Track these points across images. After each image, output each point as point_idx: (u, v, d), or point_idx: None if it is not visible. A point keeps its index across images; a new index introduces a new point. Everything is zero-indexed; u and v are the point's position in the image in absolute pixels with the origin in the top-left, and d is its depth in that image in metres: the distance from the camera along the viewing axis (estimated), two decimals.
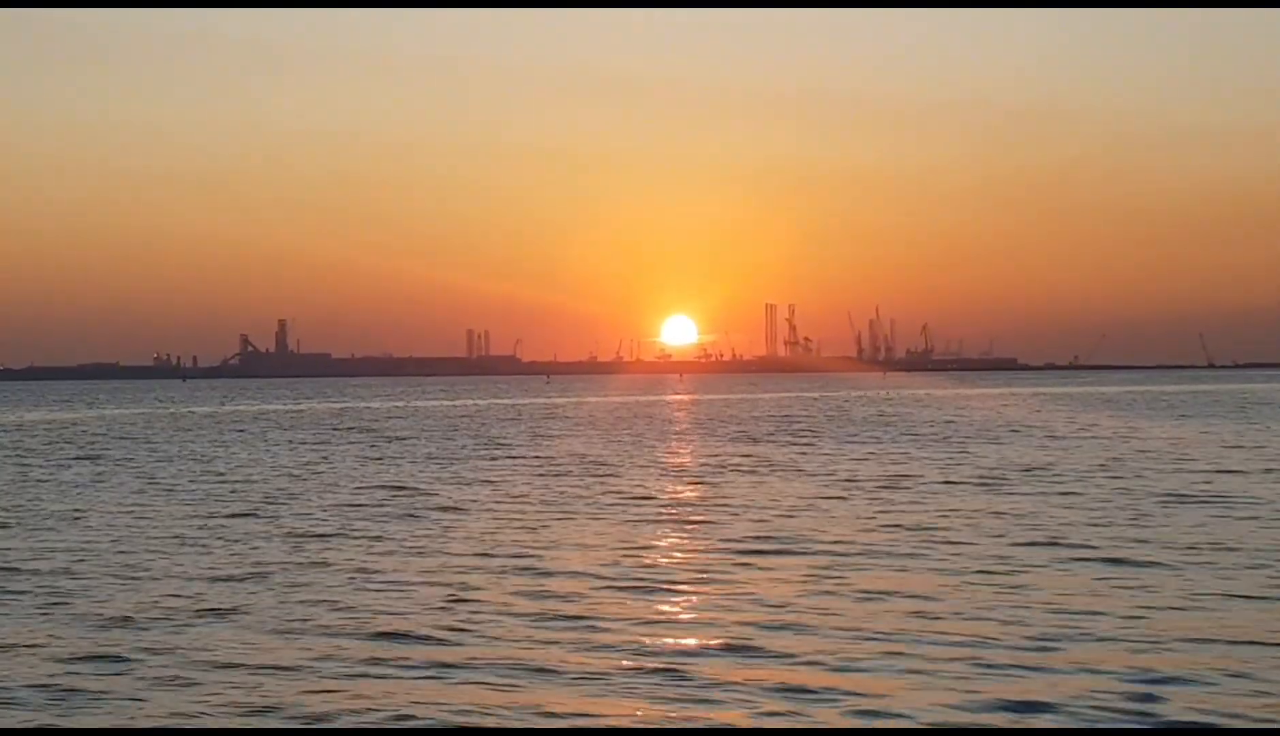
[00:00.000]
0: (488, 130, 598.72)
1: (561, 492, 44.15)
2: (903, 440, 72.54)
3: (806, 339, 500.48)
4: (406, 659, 19.36)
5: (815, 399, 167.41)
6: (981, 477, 47.49)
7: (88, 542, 32.79)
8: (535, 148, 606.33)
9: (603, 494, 43.83)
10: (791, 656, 19.12)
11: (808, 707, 16.54)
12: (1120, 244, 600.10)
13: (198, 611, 23.19)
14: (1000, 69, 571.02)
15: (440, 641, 20.47)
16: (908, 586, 24.59)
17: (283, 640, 20.73)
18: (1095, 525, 33.23)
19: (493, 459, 61.87)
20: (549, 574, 26.76)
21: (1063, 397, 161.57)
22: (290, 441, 79.84)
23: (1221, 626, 20.72)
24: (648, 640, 20.46)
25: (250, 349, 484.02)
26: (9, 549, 31.84)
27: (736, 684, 17.68)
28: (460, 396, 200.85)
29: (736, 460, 58.94)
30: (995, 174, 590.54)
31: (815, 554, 29.01)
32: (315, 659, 19.37)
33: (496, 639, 20.61)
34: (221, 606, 23.64)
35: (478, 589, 25.07)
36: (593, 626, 21.42)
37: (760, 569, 27.04)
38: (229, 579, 26.70)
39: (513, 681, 17.97)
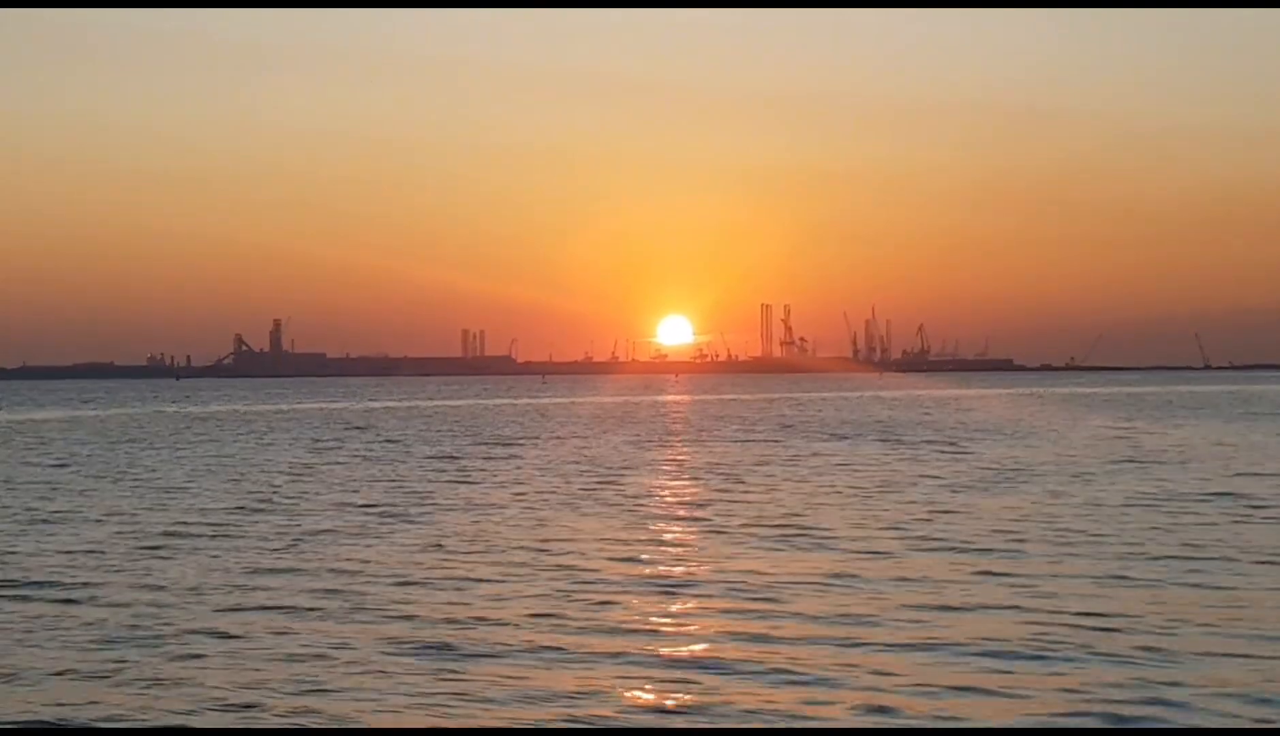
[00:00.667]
0: (483, 130, 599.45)
1: (572, 493, 44.18)
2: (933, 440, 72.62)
3: (802, 339, 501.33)
4: (424, 655, 19.38)
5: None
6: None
7: (107, 539, 32.80)
8: (531, 148, 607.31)
9: (613, 494, 43.93)
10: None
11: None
12: (1117, 245, 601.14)
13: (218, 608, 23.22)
14: (995, 70, 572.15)
15: (456, 638, 20.49)
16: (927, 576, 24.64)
17: (302, 636, 20.74)
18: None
19: (497, 458, 61.86)
20: (575, 573, 26.80)
21: (1081, 398, 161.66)
22: (292, 441, 79.80)
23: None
24: (664, 635, 20.50)
25: (245, 348, 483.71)
26: (27, 553, 31.83)
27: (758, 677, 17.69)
28: (457, 397, 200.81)
29: (746, 460, 58.95)
30: (991, 174, 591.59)
31: (842, 552, 29.04)
32: (329, 657, 19.39)
33: (512, 637, 20.62)
34: (242, 604, 23.66)
35: (493, 584, 25.11)
36: (618, 623, 21.45)
37: (784, 565, 27.06)
38: (248, 573, 26.72)
39: (523, 675, 17.99)
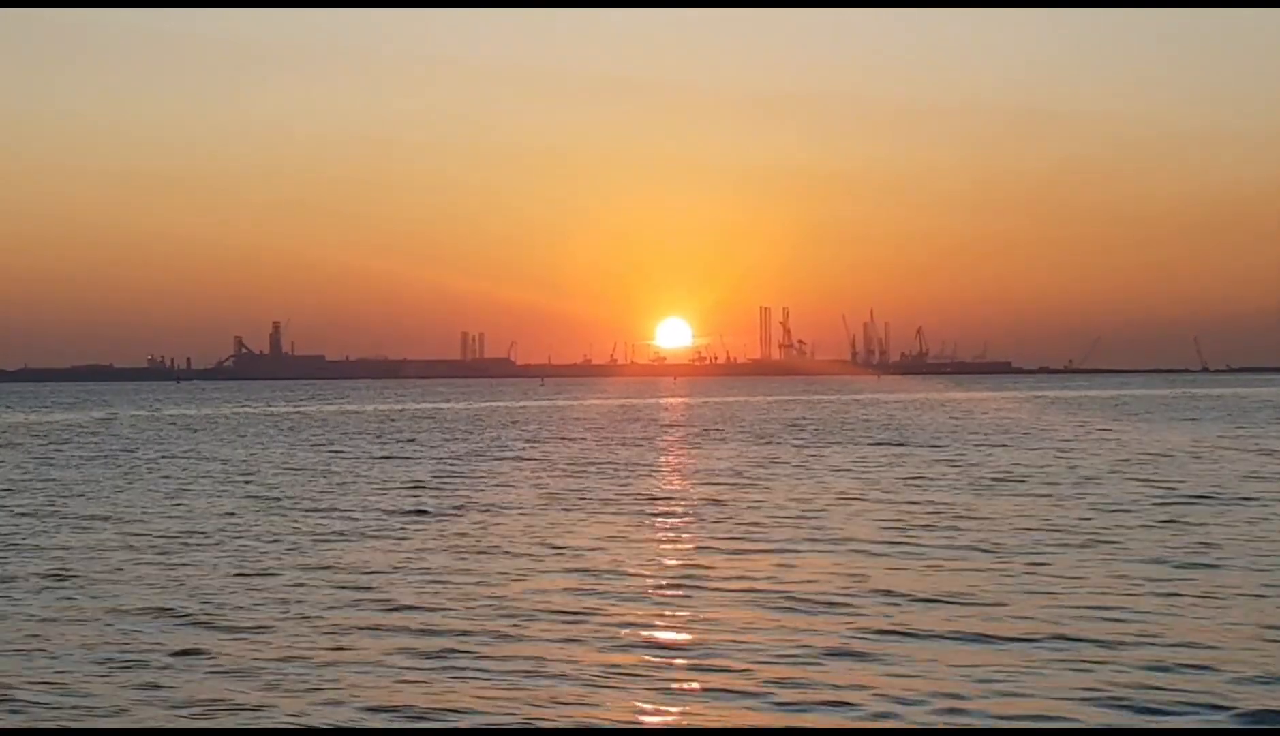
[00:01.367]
0: (483, 132, 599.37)
1: (582, 493, 44.44)
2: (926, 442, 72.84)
3: (800, 342, 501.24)
4: (452, 656, 19.70)
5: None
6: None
7: (134, 539, 33.08)
8: (531, 149, 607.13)
9: (622, 495, 44.17)
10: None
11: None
12: (1115, 247, 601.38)
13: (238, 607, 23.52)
14: (995, 72, 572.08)
15: (486, 637, 20.80)
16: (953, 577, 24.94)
17: (326, 637, 21.04)
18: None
19: (505, 460, 62.06)
20: (593, 574, 27.08)
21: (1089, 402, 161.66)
22: (297, 443, 79.99)
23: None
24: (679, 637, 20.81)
25: (245, 351, 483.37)
26: (64, 547, 32.14)
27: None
28: (458, 399, 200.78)
29: (754, 461, 59.20)
30: (990, 177, 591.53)
31: (852, 552, 29.34)
32: (350, 653, 19.71)
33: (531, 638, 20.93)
34: (262, 602, 23.98)
35: (514, 582, 25.41)
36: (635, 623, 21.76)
37: (802, 566, 27.35)
38: (267, 575, 27.03)
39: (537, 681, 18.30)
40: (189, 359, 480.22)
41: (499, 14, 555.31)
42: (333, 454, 68.78)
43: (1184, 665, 18.47)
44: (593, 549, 30.85)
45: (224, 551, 31.15)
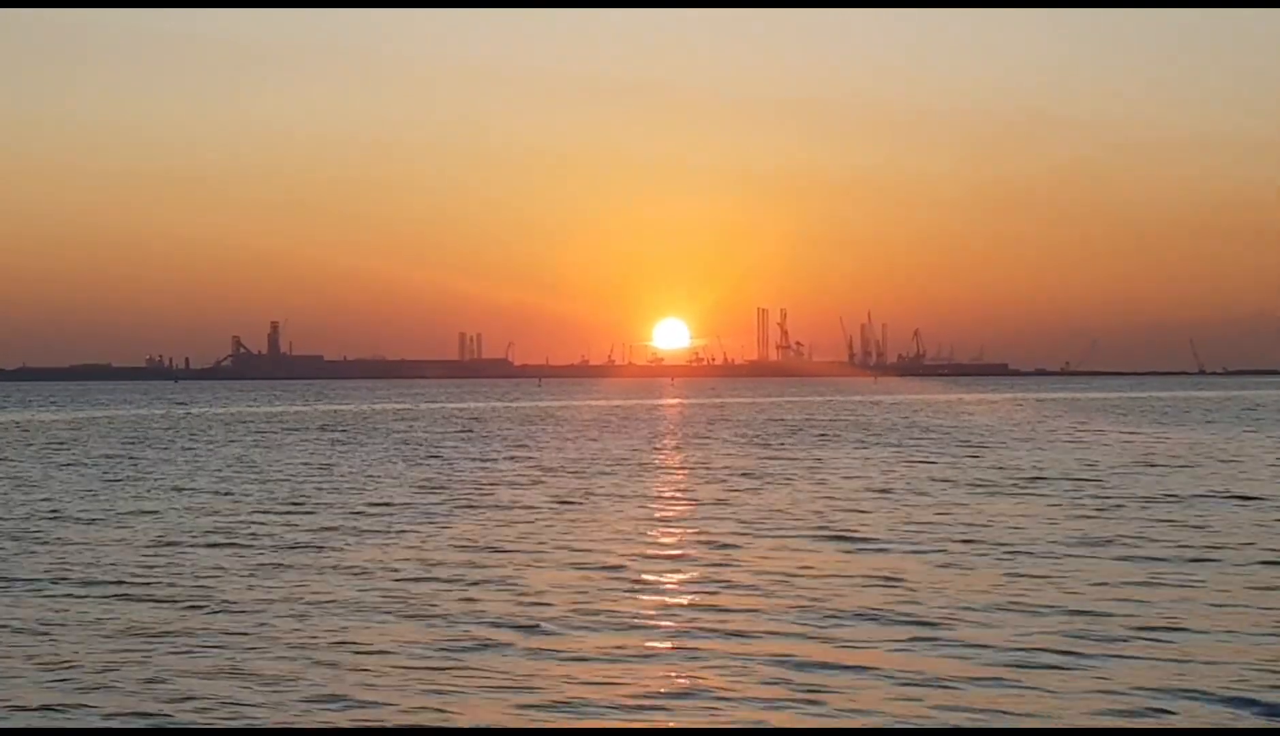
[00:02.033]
0: (480, 133, 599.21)
1: (591, 494, 44.38)
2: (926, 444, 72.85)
3: (798, 343, 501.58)
4: (479, 652, 19.58)
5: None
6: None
7: (154, 539, 32.99)
8: (529, 150, 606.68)
9: (622, 495, 44.13)
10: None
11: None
12: (1112, 250, 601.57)
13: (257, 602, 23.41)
14: (993, 76, 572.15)
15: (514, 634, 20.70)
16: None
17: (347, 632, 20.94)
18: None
19: (506, 459, 62.00)
20: (612, 572, 27.00)
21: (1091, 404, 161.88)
22: (302, 442, 79.98)
23: None
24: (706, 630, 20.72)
25: (243, 351, 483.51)
26: (82, 543, 32.03)
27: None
28: (457, 399, 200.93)
29: (757, 461, 59.15)
30: (988, 180, 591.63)
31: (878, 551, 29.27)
32: (350, 652, 19.59)
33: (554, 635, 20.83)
34: (280, 599, 23.86)
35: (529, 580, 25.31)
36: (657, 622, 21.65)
37: (821, 565, 27.27)
38: (280, 569, 26.93)
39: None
40: (187, 359, 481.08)
41: (499, 14, 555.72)
42: (341, 453, 68.72)
43: (1202, 662, 18.37)
44: (597, 548, 30.76)
45: (230, 549, 31.07)
